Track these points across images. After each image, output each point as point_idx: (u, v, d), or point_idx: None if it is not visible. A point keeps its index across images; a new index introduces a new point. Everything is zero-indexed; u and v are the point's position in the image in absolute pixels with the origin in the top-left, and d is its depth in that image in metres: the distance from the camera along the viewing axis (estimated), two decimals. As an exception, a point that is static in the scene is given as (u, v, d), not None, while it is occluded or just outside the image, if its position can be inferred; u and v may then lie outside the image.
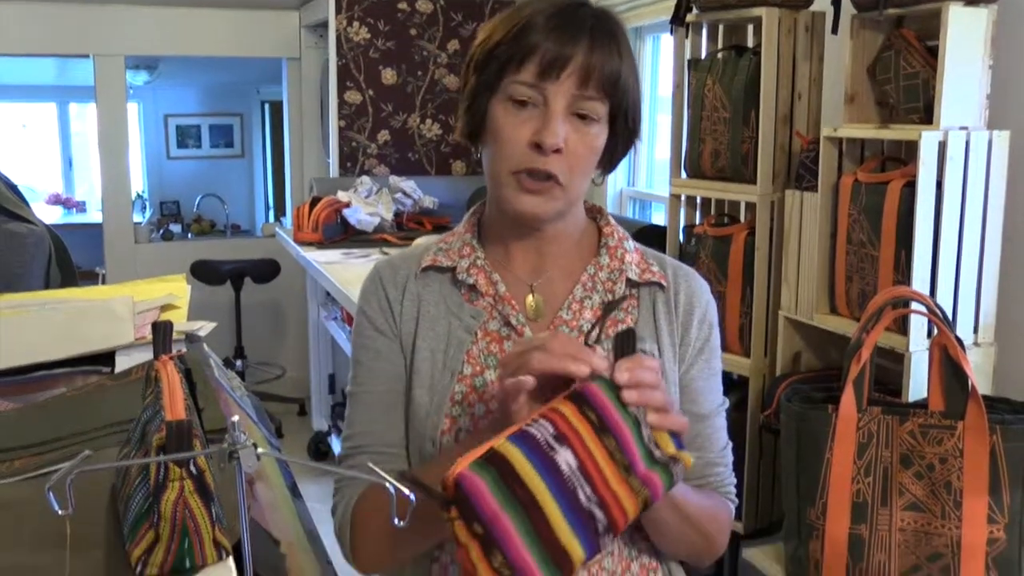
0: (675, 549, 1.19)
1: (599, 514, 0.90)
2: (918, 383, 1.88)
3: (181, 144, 8.32)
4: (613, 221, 1.24)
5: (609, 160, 1.16)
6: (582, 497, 0.89)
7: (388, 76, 4.59)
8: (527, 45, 1.06)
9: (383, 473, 0.69)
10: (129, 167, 5.18)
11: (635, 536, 1.17)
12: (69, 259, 2.56)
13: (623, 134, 1.13)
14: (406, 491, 0.69)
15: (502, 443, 0.87)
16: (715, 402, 1.21)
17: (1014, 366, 2.06)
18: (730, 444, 1.24)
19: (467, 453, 0.87)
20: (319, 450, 4.57)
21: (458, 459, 0.86)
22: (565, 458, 0.89)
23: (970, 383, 1.59)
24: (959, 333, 1.86)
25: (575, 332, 1.14)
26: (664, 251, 2.54)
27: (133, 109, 7.70)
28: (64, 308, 1.64)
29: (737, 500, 1.23)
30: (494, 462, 0.86)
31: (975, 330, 1.97)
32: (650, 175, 3.94)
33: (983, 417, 1.58)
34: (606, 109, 1.09)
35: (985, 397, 1.61)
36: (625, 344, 0.97)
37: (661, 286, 1.18)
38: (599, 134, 1.10)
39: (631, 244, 1.22)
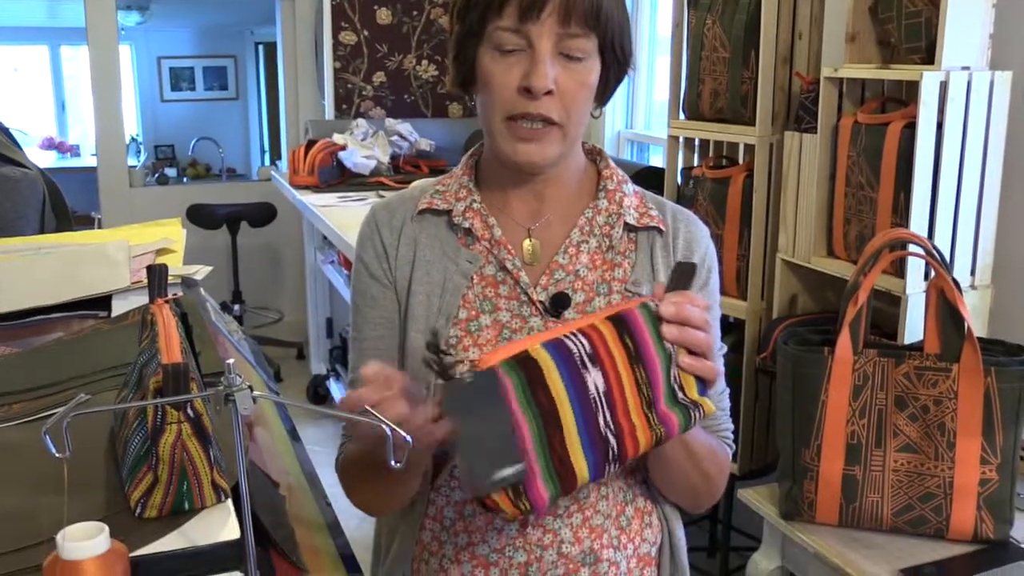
0: (675, 490, 1.20)
1: (612, 441, 0.91)
2: (914, 325, 1.88)
3: (175, 87, 8.24)
4: (613, 163, 1.22)
5: (603, 93, 1.13)
6: (601, 422, 0.90)
7: (383, 16, 4.52)
8: None
9: (381, 416, 0.69)
10: (123, 110, 5.12)
11: (630, 480, 1.18)
12: (64, 203, 2.55)
13: (613, 65, 1.11)
14: (403, 434, 0.69)
15: (537, 348, 0.87)
16: (715, 345, 1.20)
17: (1010, 308, 2.07)
18: (728, 390, 1.24)
19: (500, 348, 0.88)
20: (318, 394, 4.59)
21: (491, 352, 0.87)
22: (595, 379, 0.89)
23: (966, 325, 1.59)
24: (956, 275, 1.87)
25: (571, 276, 1.14)
26: (662, 194, 2.53)
27: (125, 51, 7.61)
28: (59, 252, 1.63)
29: (734, 446, 1.24)
30: (525, 365, 0.86)
31: (972, 272, 1.97)
32: (648, 117, 3.91)
33: (978, 359, 1.58)
34: (593, 44, 1.07)
35: (980, 339, 1.62)
36: (681, 278, 0.97)
37: (660, 231, 1.17)
38: (590, 70, 1.08)
39: (630, 187, 1.20)
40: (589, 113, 1.13)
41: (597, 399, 0.90)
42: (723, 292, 1.25)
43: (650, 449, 0.96)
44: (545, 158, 1.09)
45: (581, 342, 0.90)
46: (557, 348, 0.88)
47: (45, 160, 7.66)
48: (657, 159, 3.64)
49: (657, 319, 0.93)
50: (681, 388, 0.96)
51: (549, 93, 1.05)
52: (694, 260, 1.17)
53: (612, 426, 0.91)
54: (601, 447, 0.91)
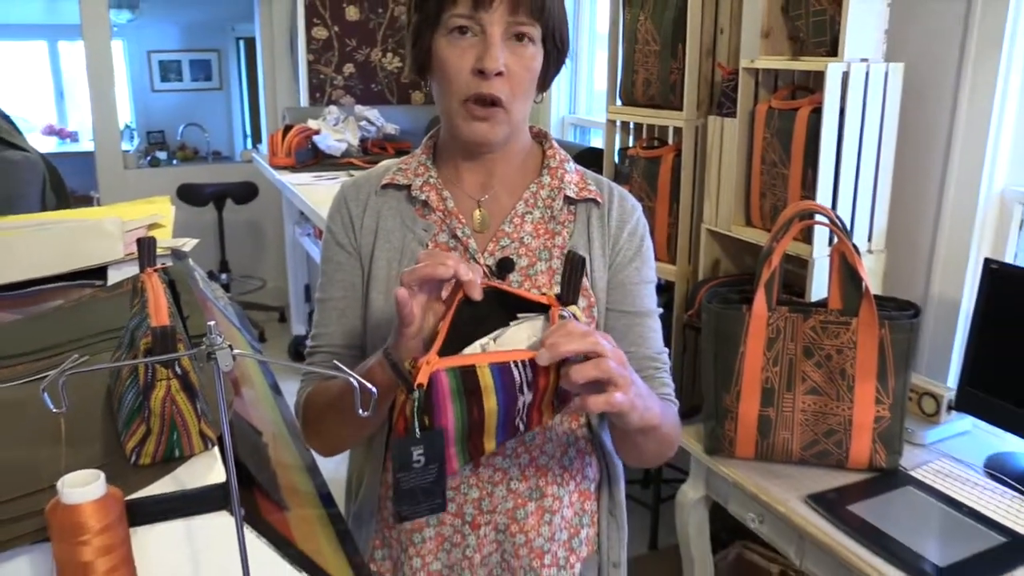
0: (644, 458, 1.18)
1: (522, 427, 0.90)
2: (820, 285, 1.91)
3: (164, 78, 8.05)
4: (556, 145, 1.21)
5: (543, 79, 1.12)
6: (517, 420, 0.89)
7: (352, 13, 4.45)
8: None
9: (348, 371, 0.68)
10: (116, 100, 5.00)
11: (574, 424, 1.17)
12: (63, 184, 2.48)
13: (553, 54, 1.09)
14: (369, 385, 0.68)
15: (483, 368, 0.84)
16: (647, 304, 1.19)
17: (901, 269, 2.10)
18: (667, 351, 1.22)
19: (454, 356, 0.85)
20: (298, 352, 4.55)
21: (440, 358, 0.83)
22: (524, 400, 0.87)
23: (864, 285, 1.61)
24: (856, 241, 1.89)
25: (515, 243, 1.13)
26: (600, 171, 2.53)
27: (118, 46, 7.41)
28: (59, 228, 1.59)
29: (677, 402, 1.21)
30: (468, 379, 0.83)
31: (869, 238, 2.00)
32: (589, 103, 3.90)
33: (874, 314, 1.61)
34: (538, 32, 1.05)
35: (876, 296, 1.64)
36: (572, 269, 0.93)
37: (596, 203, 1.17)
38: (535, 55, 1.06)
39: (572, 166, 1.20)
40: (532, 97, 1.11)
41: (521, 410, 0.88)
42: (656, 258, 1.24)
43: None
44: (495, 135, 1.08)
45: (526, 373, 0.85)
46: (501, 373, 0.84)
47: (47, 145, 7.46)
48: (597, 141, 3.63)
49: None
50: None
51: (500, 75, 1.03)
52: (625, 229, 1.17)
53: (525, 421, 0.90)
54: (511, 433, 0.90)
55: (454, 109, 1.07)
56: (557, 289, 1.10)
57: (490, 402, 0.85)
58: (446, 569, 1.17)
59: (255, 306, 5.23)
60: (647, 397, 0.96)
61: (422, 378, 0.81)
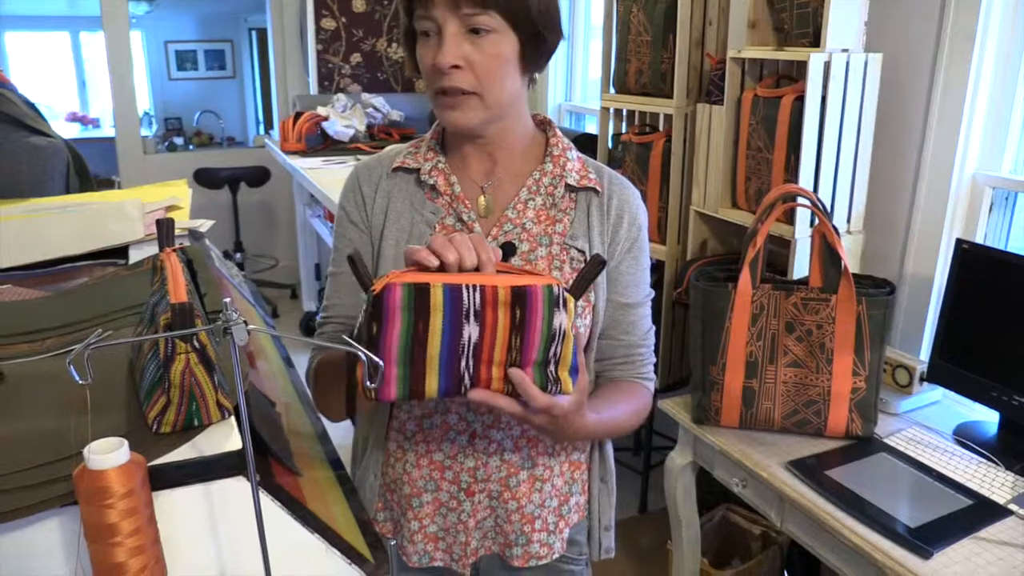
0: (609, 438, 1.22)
1: (467, 381, 0.89)
2: (801, 264, 1.91)
3: (180, 67, 7.99)
4: (559, 133, 1.19)
5: (528, 62, 1.06)
6: (462, 364, 0.88)
7: (358, 4, 4.41)
8: None
9: (357, 345, 0.68)
10: (135, 88, 4.96)
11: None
12: (86, 168, 2.47)
13: (529, 36, 1.04)
14: (376, 359, 0.69)
15: (436, 286, 0.85)
16: (642, 293, 1.19)
17: (878, 249, 2.10)
18: (653, 328, 1.22)
19: (411, 272, 0.86)
20: (309, 327, 4.56)
21: (400, 272, 0.86)
22: (470, 332, 0.86)
23: (843, 264, 1.61)
24: (835, 223, 1.89)
25: (518, 228, 1.13)
26: (595, 156, 2.52)
27: (137, 36, 7.36)
28: (83, 210, 1.59)
29: (655, 376, 1.22)
30: (420, 294, 0.84)
31: (848, 220, 2.00)
32: (584, 91, 3.88)
33: (852, 291, 1.61)
34: (497, 20, 1.01)
35: (854, 275, 1.64)
36: (592, 268, 0.92)
37: (596, 191, 1.16)
38: (498, 42, 1.02)
39: (574, 154, 1.18)
40: (513, 81, 1.06)
41: (465, 346, 0.87)
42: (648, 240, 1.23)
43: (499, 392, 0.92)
44: (469, 121, 1.06)
45: (475, 299, 0.86)
46: (452, 294, 0.85)
47: (70, 131, 7.42)
48: (592, 127, 3.62)
49: (555, 303, 0.87)
50: (556, 362, 0.91)
51: (458, 67, 1.02)
52: (624, 219, 1.16)
53: (471, 370, 0.88)
54: (455, 380, 0.89)
55: (434, 100, 1.08)
56: (556, 275, 1.10)
57: (436, 322, 0.85)
58: (442, 532, 1.18)
59: (268, 284, 5.22)
60: (592, 424, 1.05)
61: (377, 286, 0.84)
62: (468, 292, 0.86)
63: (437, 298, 0.85)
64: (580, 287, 0.91)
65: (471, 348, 0.87)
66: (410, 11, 1.04)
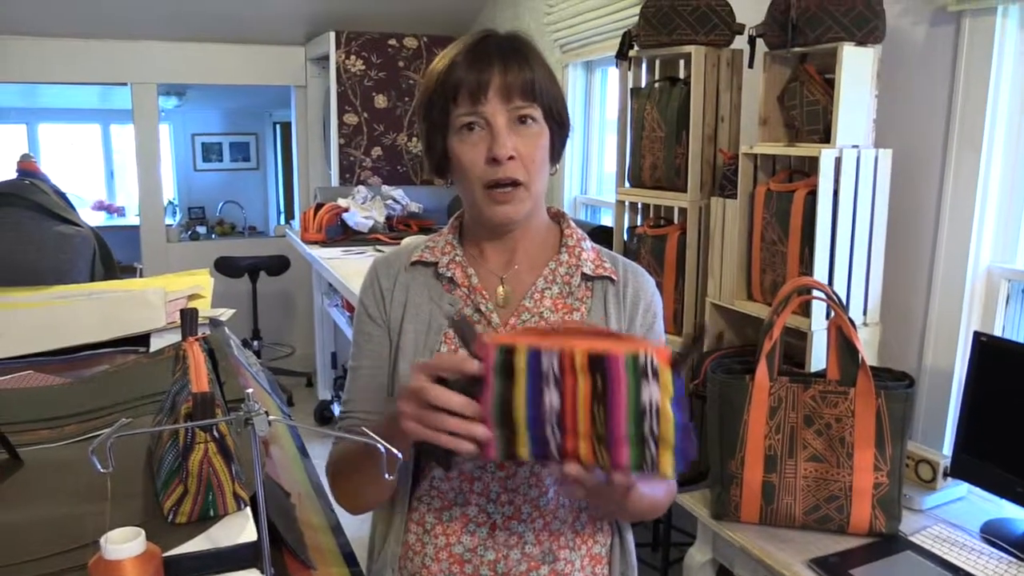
0: (627, 520, 1.21)
1: (554, 446, 0.87)
2: (818, 356, 1.90)
3: (206, 159, 8.21)
4: (573, 224, 1.23)
5: (555, 152, 1.13)
6: (547, 430, 0.87)
7: (380, 101, 4.56)
8: (454, 82, 1.06)
9: (375, 437, 0.69)
10: (161, 178, 5.10)
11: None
12: (111, 256, 2.53)
13: (556, 129, 1.11)
14: (395, 451, 0.69)
15: (520, 348, 0.86)
16: None
17: (896, 341, 2.09)
18: None
19: (512, 334, 0.90)
20: (324, 416, 4.54)
21: (506, 334, 0.90)
22: (551, 398, 0.85)
23: (860, 356, 1.61)
24: (851, 315, 1.89)
25: (535, 317, 1.14)
26: (611, 248, 2.55)
27: (165, 129, 7.58)
28: (106, 297, 1.62)
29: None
30: (507, 356, 0.86)
31: (864, 312, 2.00)
32: (600, 185, 3.95)
33: (870, 384, 1.60)
34: (538, 112, 1.07)
35: (872, 368, 1.63)
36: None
37: (612, 280, 1.18)
38: (540, 133, 1.08)
39: (588, 244, 1.20)
40: (547, 171, 1.12)
41: (549, 412, 0.86)
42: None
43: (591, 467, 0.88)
44: (518, 213, 1.09)
45: (553, 363, 0.84)
46: (535, 358, 0.85)
47: (96, 219, 7.58)
48: (607, 219, 3.66)
49: (642, 372, 0.82)
50: (655, 441, 0.83)
51: (512, 158, 1.06)
52: (640, 306, 1.17)
53: (557, 436, 0.87)
54: (543, 446, 0.87)
55: (478, 197, 1.09)
56: None
57: (520, 383, 0.85)
58: None
59: (284, 371, 5.23)
60: (638, 498, 1.00)
61: (480, 350, 0.86)
62: (548, 356, 0.84)
63: (520, 361, 0.85)
64: (677, 362, 0.84)
65: (554, 414, 0.86)
66: (444, 110, 1.08)
